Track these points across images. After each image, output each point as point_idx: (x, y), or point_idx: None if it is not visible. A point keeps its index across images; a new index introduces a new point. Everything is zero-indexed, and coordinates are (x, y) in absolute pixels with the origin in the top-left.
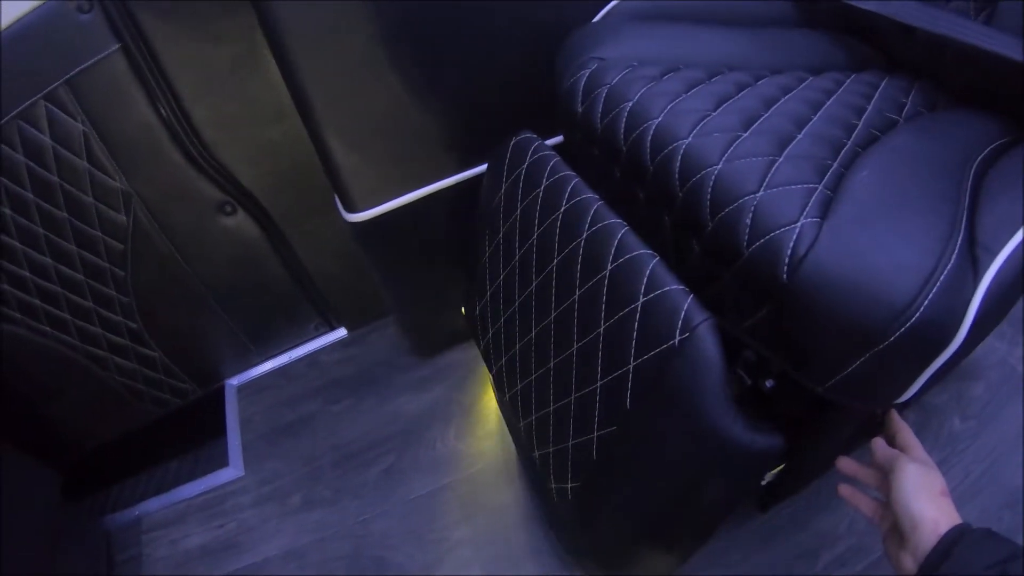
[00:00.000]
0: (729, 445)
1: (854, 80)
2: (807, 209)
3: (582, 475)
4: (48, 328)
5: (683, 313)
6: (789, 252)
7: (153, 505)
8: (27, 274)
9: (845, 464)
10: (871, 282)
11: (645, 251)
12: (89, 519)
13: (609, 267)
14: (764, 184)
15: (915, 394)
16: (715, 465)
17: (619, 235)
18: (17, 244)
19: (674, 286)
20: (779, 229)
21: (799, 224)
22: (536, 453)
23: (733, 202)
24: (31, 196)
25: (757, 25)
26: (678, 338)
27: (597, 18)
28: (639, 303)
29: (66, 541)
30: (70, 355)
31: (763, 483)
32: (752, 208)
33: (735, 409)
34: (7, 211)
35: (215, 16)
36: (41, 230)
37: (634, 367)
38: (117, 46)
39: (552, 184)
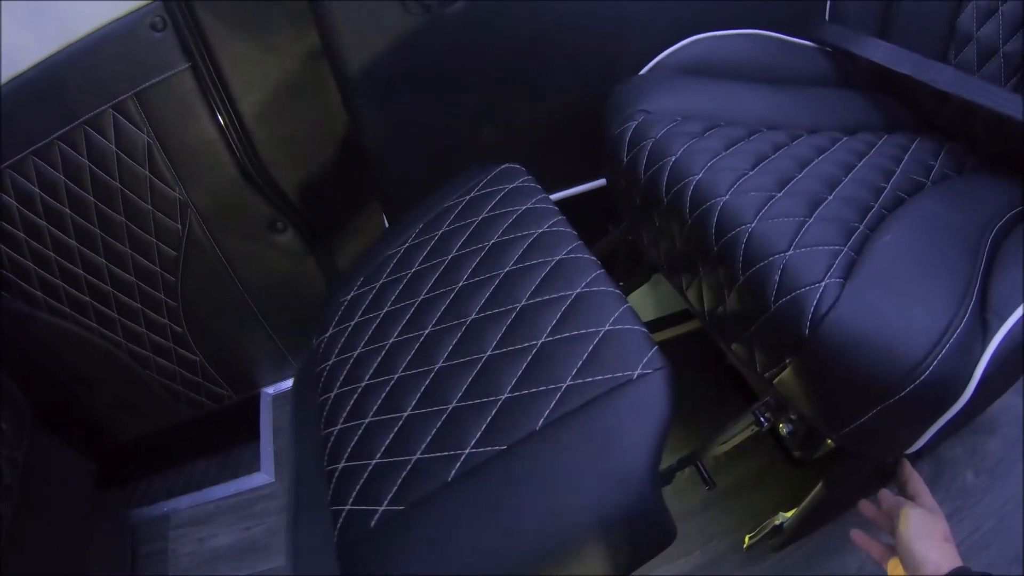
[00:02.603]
0: (635, 500)
1: (886, 142)
2: (831, 270)
3: (411, 498)
4: (95, 324)
5: (651, 353)
6: (812, 310)
7: (182, 503)
8: (80, 272)
9: (865, 507)
10: (886, 340)
11: (616, 291)
12: (118, 510)
13: (579, 289)
14: (794, 244)
15: (925, 446)
16: (606, 517)
17: (595, 271)
18: (73, 243)
19: (643, 329)
20: (804, 287)
21: (823, 284)
22: (339, 465)
23: (764, 259)
24: (91, 198)
25: (796, 81)
26: (639, 371)
27: (644, 70)
28: (604, 329)
29: (95, 529)
30: (114, 352)
31: (777, 523)
32: (781, 266)
33: (656, 467)
34: (67, 210)
35: (283, 44)
36: (98, 231)
37: (569, 386)
38: (187, 65)
39: (534, 207)
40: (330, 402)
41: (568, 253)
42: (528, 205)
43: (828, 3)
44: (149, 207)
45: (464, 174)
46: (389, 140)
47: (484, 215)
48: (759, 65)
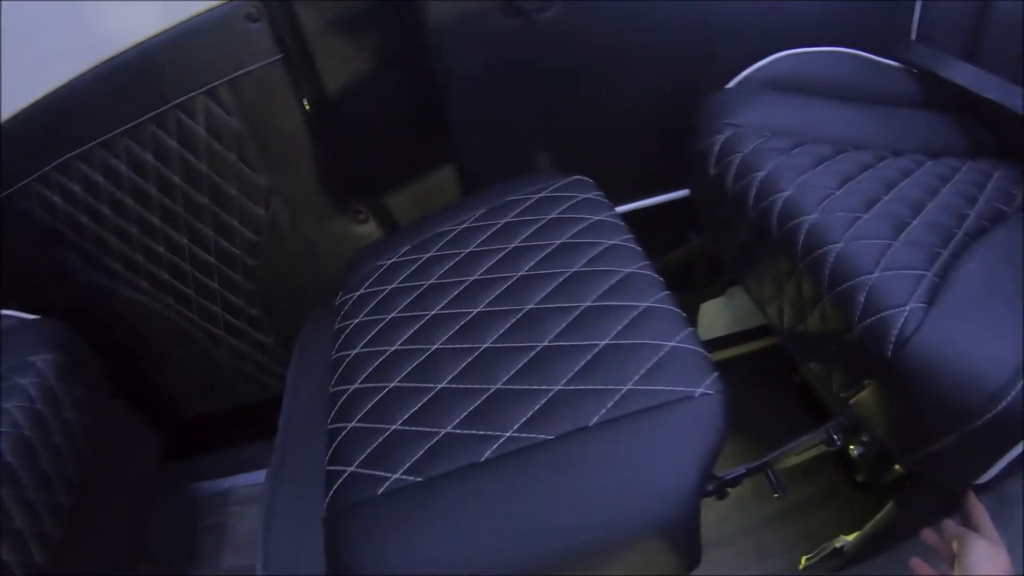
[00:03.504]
0: (676, 515)
1: (969, 167)
2: (916, 294)
3: (433, 471)
4: (173, 302)
5: (712, 376)
6: (896, 332)
7: (243, 480)
8: (162, 250)
9: (927, 535)
10: (967, 368)
11: (682, 313)
12: (180, 482)
13: (647, 303)
14: (880, 266)
15: (993, 477)
16: (644, 526)
17: (662, 291)
18: (157, 221)
19: (705, 353)
20: (889, 310)
21: (908, 308)
22: (349, 425)
23: (850, 279)
24: (178, 180)
25: (880, 101)
26: (700, 390)
27: (731, 84)
28: (670, 344)
29: (157, 498)
30: (189, 329)
31: (837, 546)
32: (867, 288)
33: (702, 488)
34: (153, 190)
35: (376, 39)
36: (183, 212)
37: (630, 390)
38: (280, 56)
39: (605, 220)
40: (348, 360)
41: (637, 268)
42: (600, 217)
43: (915, 22)
44: (235, 192)
45: (534, 174)
46: (478, 136)
47: (554, 216)
48: (845, 83)
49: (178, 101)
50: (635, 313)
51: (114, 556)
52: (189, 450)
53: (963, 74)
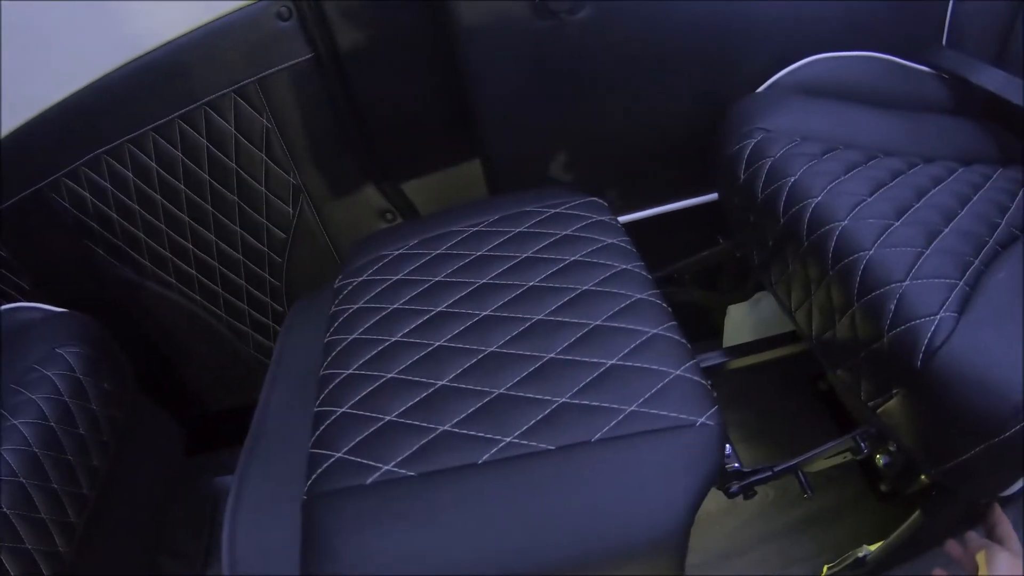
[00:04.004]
0: (667, 539)
1: (1001, 175)
2: (947, 303)
3: (427, 467)
4: (199, 297)
5: (713, 408)
6: (926, 342)
7: None
8: (190, 246)
9: (951, 547)
10: (996, 379)
11: (687, 344)
12: (201, 476)
13: (656, 330)
14: (910, 275)
15: (1020, 490)
16: (635, 546)
17: (670, 320)
18: (185, 218)
19: (708, 385)
20: (919, 319)
21: (938, 317)
22: (339, 409)
23: (880, 287)
24: (207, 176)
25: (911, 106)
26: (701, 420)
27: (761, 88)
28: (675, 372)
29: (179, 491)
30: (215, 325)
31: (860, 555)
32: (897, 296)
33: (694, 515)
34: (182, 186)
35: (407, 39)
36: (211, 208)
37: (633, 411)
38: (310, 55)
39: (618, 244)
40: (343, 344)
41: (647, 296)
42: (613, 240)
43: (946, 28)
44: (263, 189)
45: (549, 189)
46: (505, 137)
47: (568, 232)
48: (876, 88)
49: (208, 99)
50: (643, 338)
51: (135, 547)
52: (212, 445)
53: (993, 80)
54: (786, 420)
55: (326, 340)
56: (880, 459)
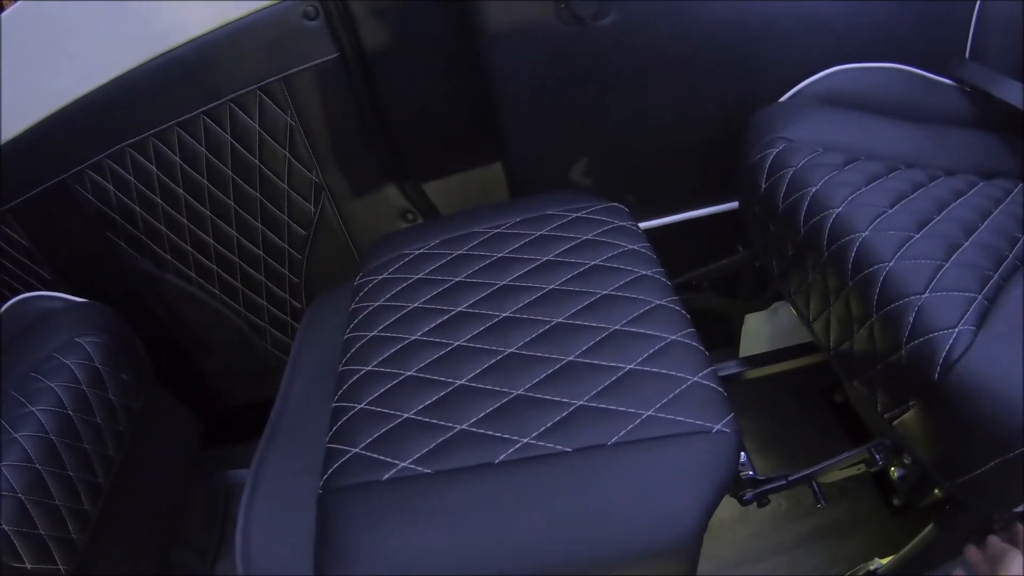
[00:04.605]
0: (679, 545)
1: (1021, 190)
2: (965, 317)
3: (444, 465)
4: (219, 292)
5: (730, 416)
6: (944, 355)
7: None
8: (211, 240)
9: (972, 553)
10: (1013, 393)
11: (705, 351)
12: (216, 470)
13: (674, 336)
14: (930, 287)
15: None
16: (646, 551)
17: (688, 327)
18: (207, 212)
19: (724, 393)
20: (938, 332)
21: (956, 330)
22: (358, 406)
23: (899, 299)
24: (230, 172)
25: (933, 119)
26: (717, 427)
27: (784, 98)
28: (693, 379)
29: (193, 484)
30: (233, 320)
31: (872, 568)
32: (916, 308)
33: (707, 522)
34: (205, 181)
35: (432, 41)
36: (233, 204)
37: (650, 416)
38: (336, 55)
39: (638, 249)
40: (363, 341)
41: (666, 302)
42: (633, 246)
43: (969, 40)
44: (285, 186)
45: (572, 193)
46: (527, 140)
47: (589, 237)
48: (898, 100)
49: (233, 96)
50: (661, 344)
51: (148, 538)
52: (227, 439)
53: (1016, 94)
54: (801, 430)
55: (345, 337)
56: (894, 472)
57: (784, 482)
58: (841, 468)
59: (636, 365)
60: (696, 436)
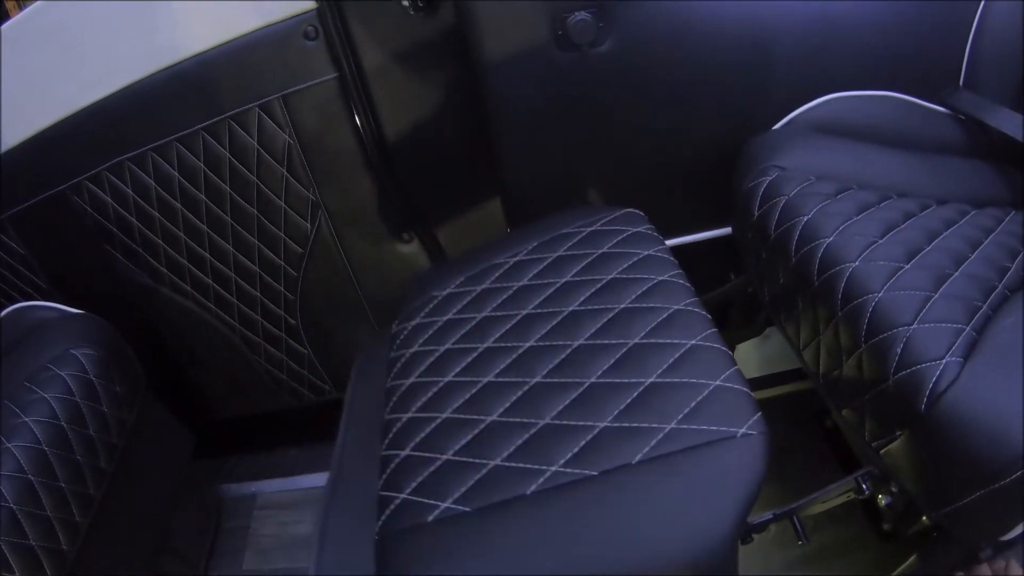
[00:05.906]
0: (712, 556)
1: (1012, 219)
2: (953, 348)
3: (482, 501)
4: (214, 306)
5: (755, 416)
6: (931, 386)
7: (270, 486)
8: (207, 255)
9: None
10: (998, 425)
11: (728, 351)
12: (208, 482)
13: (694, 341)
14: (918, 319)
15: (1019, 536)
16: (681, 566)
17: (709, 328)
18: (205, 227)
19: (750, 392)
20: (925, 363)
21: (943, 362)
22: (403, 452)
23: (888, 330)
24: (228, 188)
25: (927, 147)
26: (743, 431)
27: (778, 126)
28: (715, 383)
29: (185, 496)
30: (227, 334)
31: None
32: (904, 339)
33: (740, 529)
34: (203, 196)
35: (431, 64)
36: (230, 220)
37: (673, 428)
38: (334, 75)
39: (654, 255)
40: (403, 389)
41: (686, 305)
42: (649, 252)
43: (963, 69)
44: (282, 203)
45: (586, 207)
46: (525, 166)
47: (604, 250)
48: (892, 128)
49: (232, 112)
50: (681, 351)
51: (138, 549)
52: (219, 451)
53: (1009, 123)
54: (791, 457)
55: (387, 385)
56: (882, 500)
57: (770, 517)
58: (829, 499)
59: (656, 378)
60: (721, 443)
